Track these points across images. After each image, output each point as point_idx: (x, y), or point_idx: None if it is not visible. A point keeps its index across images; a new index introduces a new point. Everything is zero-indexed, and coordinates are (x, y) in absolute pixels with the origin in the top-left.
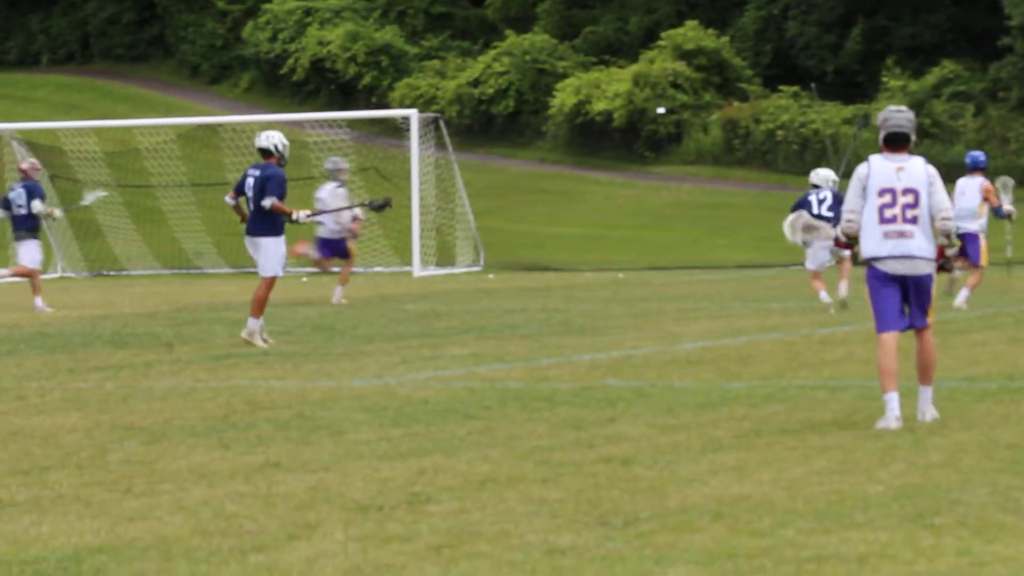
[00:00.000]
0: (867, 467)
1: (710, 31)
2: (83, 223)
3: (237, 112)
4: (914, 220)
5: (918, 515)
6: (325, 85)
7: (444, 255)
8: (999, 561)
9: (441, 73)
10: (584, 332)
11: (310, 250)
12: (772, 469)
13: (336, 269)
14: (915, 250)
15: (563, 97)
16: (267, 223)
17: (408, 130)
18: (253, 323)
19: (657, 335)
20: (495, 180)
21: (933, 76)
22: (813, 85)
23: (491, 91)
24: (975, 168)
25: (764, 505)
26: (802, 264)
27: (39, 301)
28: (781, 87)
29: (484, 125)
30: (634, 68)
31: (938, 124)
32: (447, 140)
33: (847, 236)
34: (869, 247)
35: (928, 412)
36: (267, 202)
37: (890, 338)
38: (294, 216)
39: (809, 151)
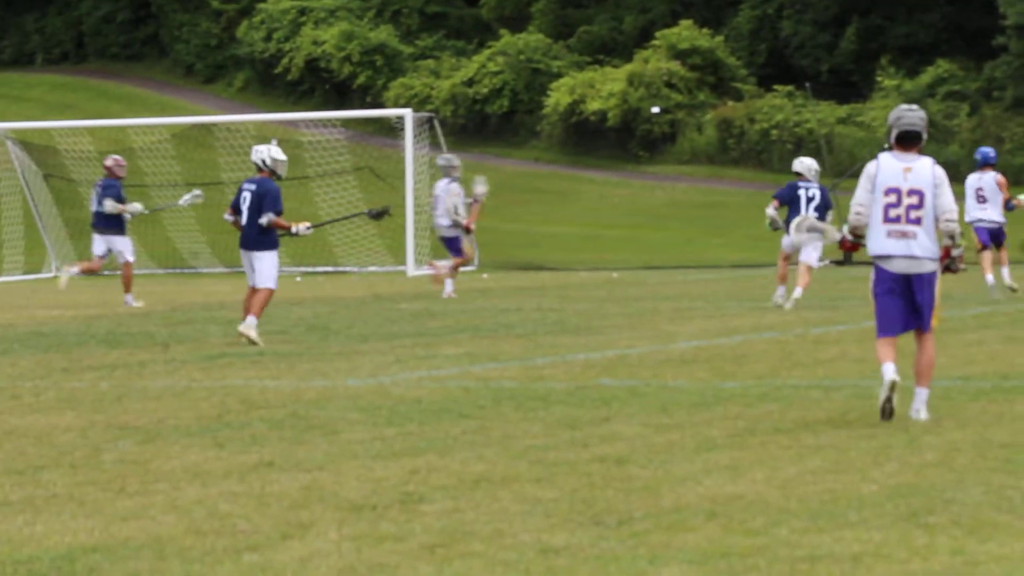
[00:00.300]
0: (861, 466)
1: (704, 31)
2: (77, 222)
3: (232, 112)
4: (918, 221)
5: (912, 514)
6: (320, 85)
7: (438, 255)
8: (993, 560)
9: (436, 73)
10: (579, 331)
11: (441, 264)
12: (766, 468)
13: (444, 262)
14: (917, 250)
15: (558, 96)
16: (264, 238)
17: (403, 130)
18: (251, 319)
19: (652, 334)
20: (490, 179)
21: (928, 75)
22: (807, 84)
23: (486, 91)
24: (985, 163)
25: (758, 504)
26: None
27: (129, 298)
28: (775, 87)
29: (479, 125)
30: (628, 68)
31: (933, 124)
32: (442, 140)
33: (854, 230)
34: (873, 245)
35: (922, 412)
36: (264, 219)
37: (889, 341)
38: (293, 230)
39: (804, 151)
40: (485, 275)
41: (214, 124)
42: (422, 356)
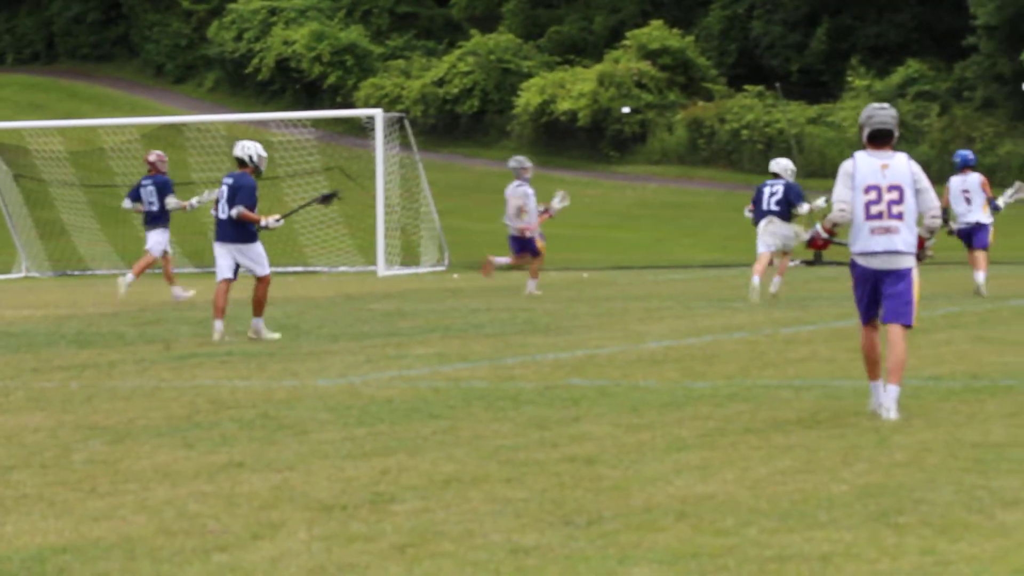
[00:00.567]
0: (831, 466)
1: (675, 31)
2: (47, 223)
3: (202, 112)
4: (899, 216)
5: (882, 514)
6: (290, 84)
7: (409, 255)
8: (963, 560)
9: (406, 73)
10: (549, 331)
11: (500, 260)
12: (736, 468)
13: (502, 260)
14: (900, 245)
15: (528, 97)
16: (243, 229)
17: (373, 130)
18: (257, 322)
19: (622, 334)
20: (460, 180)
21: (898, 75)
22: (778, 84)
23: (456, 91)
24: (966, 166)
25: (728, 504)
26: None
27: (177, 291)
28: (746, 86)
29: (449, 125)
30: (599, 68)
31: (903, 124)
32: (412, 140)
33: (832, 227)
34: (857, 243)
35: (892, 411)
36: (234, 212)
37: (872, 328)
38: (263, 223)
39: (774, 150)
40: (455, 275)
41: (184, 124)
42: (392, 356)
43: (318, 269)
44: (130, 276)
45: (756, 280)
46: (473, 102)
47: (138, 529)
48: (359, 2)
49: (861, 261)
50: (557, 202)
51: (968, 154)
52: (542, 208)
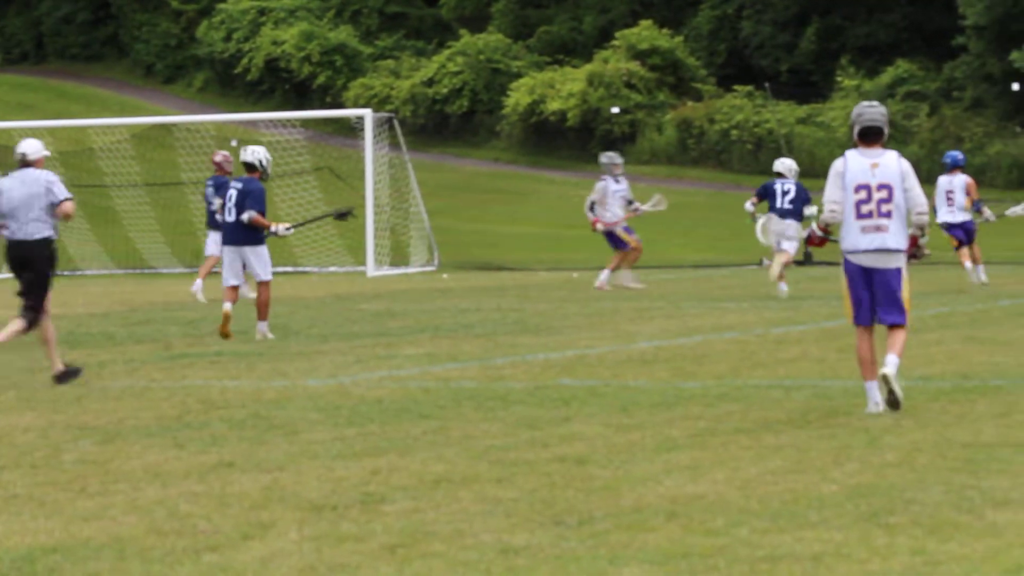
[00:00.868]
0: (821, 466)
1: (664, 31)
2: None
3: (191, 112)
4: (888, 214)
5: (872, 514)
6: (279, 85)
7: (398, 255)
8: (953, 560)
9: (395, 73)
10: (539, 331)
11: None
12: (727, 468)
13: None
14: (890, 243)
15: (517, 97)
16: (251, 233)
17: (362, 130)
18: (263, 325)
19: (612, 334)
20: (449, 180)
21: (887, 75)
22: (767, 85)
23: (445, 91)
24: (955, 166)
25: (718, 504)
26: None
27: (199, 284)
28: (735, 87)
29: (438, 125)
30: (588, 68)
31: (893, 124)
32: (401, 140)
33: (826, 227)
34: (847, 241)
35: (889, 367)
36: (246, 216)
37: (866, 329)
38: (272, 229)
39: (763, 151)
40: (445, 275)
41: (174, 124)
42: (382, 356)
43: (308, 269)
44: (199, 282)
45: (783, 288)
46: (462, 102)
47: (128, 529)
48: (348, 2)
49: (852, 259)
50: (650, 205)
51: (958, 155)
52: (635, 207)
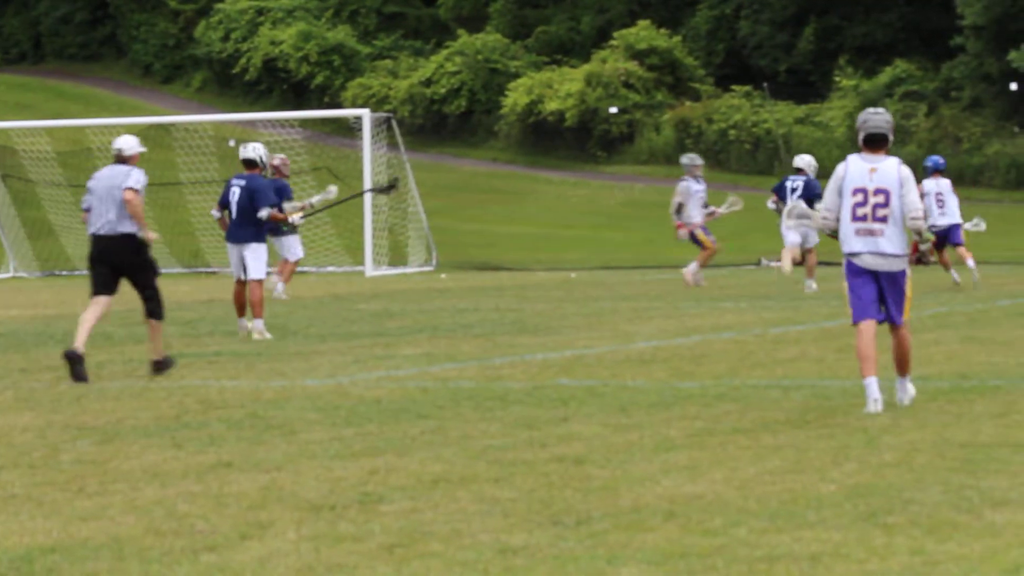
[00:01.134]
0: (820, 466)
1: (662, 31)
2: (35, 223)
3: (189, 112)
4: (884, 219)
5: (871, 514)
6: (277, 85)
7: (396, 255)
8: (952, 560)
9: (393, 73)
10: (537, 331)
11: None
12: (725, 468)
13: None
14: (885, 247)
15: (515, 97)
16: (254, 230)
17: (360, 130)
18: (259, 323)
19: (610, 334)
20: (447, 180)
21: (885, 75)
22: (765, 85)
23: (443, 91)
24: (936, 170)
25: (717, 504)
26: (754, 264)
27: (280, 287)
28: (733, 87)
29: (436, 125)
30: (586, 68)
31: None
32: (399, 140)
33: (825, 232)
34: (844, 243)
35: (906, 400)
36: (264, 213)
37: (866, 326)
38: (290, 219)
39: (761, 151)
40: (443, 275)
41: (172, 124)
42: (380, 356)
43: (306, 269)
44: (280, 285)
45: (812, 285)
46: (460, 102)
47: (127, 529)
48: (346, 2)
49: (856, 261)
50: (725, 208)
51: (939, 159)
52: (709, 209)
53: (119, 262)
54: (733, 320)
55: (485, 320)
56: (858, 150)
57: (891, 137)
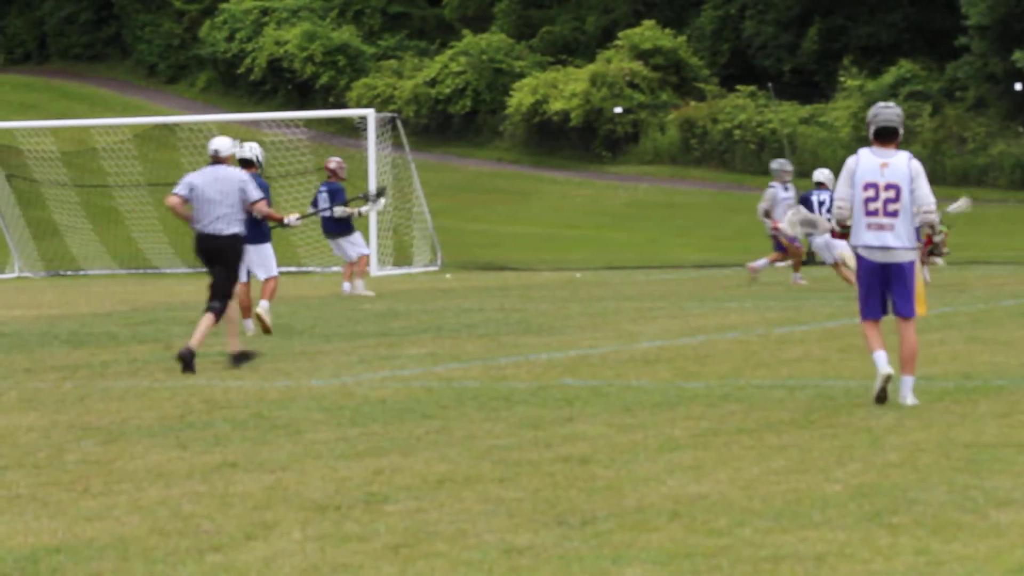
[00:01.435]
0: (824, 466)
1: (667, 31)
2: (40, 223)
3: (194, 112)
4: (894, 214)
5: (875, 514)
6: (282, 85)
7: (401, 255)
8: (956, 560)
9: (398, 73)
10: (541, 331)
11: (759, 263)
12: (729, 468)
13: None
14: (892, 241)
15: (520, 97)
16: (256, 230)
17: (365, 130)
18: (265, 303)
19: (615, 334)
20: (452, 180)
21: (890, 76)
22: (770, 85)
23: (448, 91)
24: None
25: (721, 504)
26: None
27: (360, 284)
28: (738, 87)
29: (441, 125)
30: (591, 68)
31: None
32: (404, 140)
33: (840, 222)
34: (855, 237)
35: (909, 398)
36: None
37: (872, 323)
38: (285, 220)
39: (766, 151)
40: (448, 275)
41: (177, 124)
42: (385, 356)
43: (311, 269)
44: (347, 285)
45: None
46: (465, 102)
47: (132, 529)
48: (351, 2)
49: (863, 253)
50: (956, 206)
51: None
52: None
53: (222, 260)
54: (737, 320)
55: (490, 320)
56: (865, 145)
57: (901, 131)
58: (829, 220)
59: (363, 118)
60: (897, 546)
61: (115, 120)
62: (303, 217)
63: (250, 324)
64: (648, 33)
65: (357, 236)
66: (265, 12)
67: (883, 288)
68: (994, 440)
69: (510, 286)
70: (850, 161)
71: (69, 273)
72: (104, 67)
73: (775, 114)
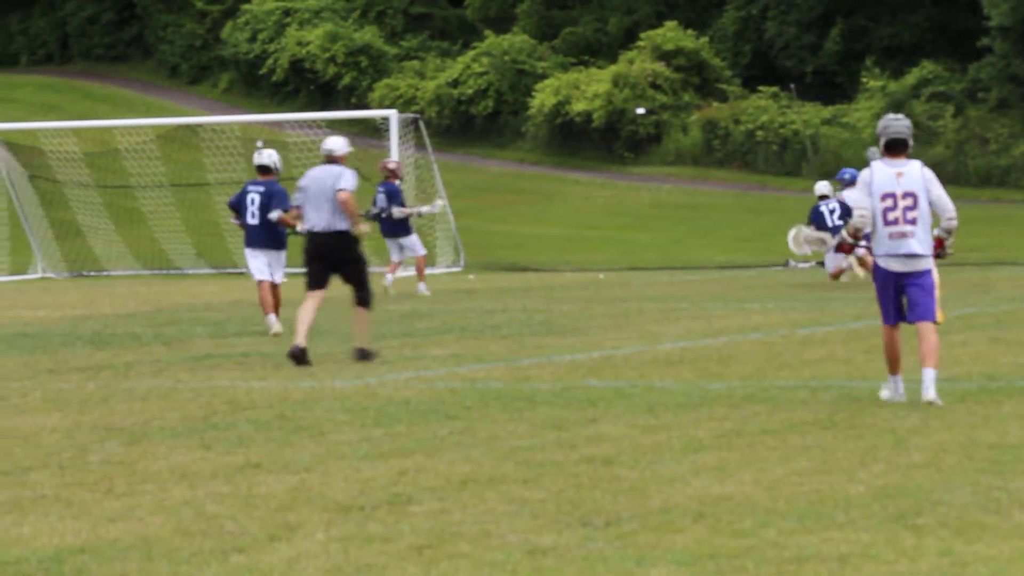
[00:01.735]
0: (848, 467)
1: (689, 32)
2: (63, 223)
3: (216, 112)
4: (914, 221)
5: (900, 515)
6: (304, 85)
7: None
8: (980, 561)
9: (420, 73)
10: (565, 332)
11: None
12: (753, 469)
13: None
14: (915, 248)
15: (543, 97)
16: (274, 236)
17: (388, 131)
18: (273, 317)
19: (638, 335)
20: (475, 180)
21: (912, 76)
22: (792, 85)
23: (471, 91)
24: (853, 182)
25: (745, 505)
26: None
27: (421, 285)
28: (760, 87)
29: (464, 125)
30: (613, 68)
31: (917, 125)
32: (427, 141)
33: (856, 232)
34: (878, 247)
35: (931, 391)
36: (274, 215)
37: (893, 328)
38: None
39: (789, 151)
40: (471, 276)
41: (199, 125)
42: (409, 357)
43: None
44: (422, 286)
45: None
46: (488, 103)
47: (155, 530)
48: (373, 3)
49: (882, 263)
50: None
51: (855, 171)
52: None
53: (334, 258)
54: (760, 321)
55: (513, 321)
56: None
57: (911, 141)
58: (842, 229)
59: (385, 119)
60: (921, 547)
61: (137, 121)
62: (368, 219)
63: (273, 319)
64: (670, 34)
65: (415, 238)
66: (287, 13)
67: (899, 294)
68: (1018, 441)
69: (533, 287)
70: (864, 174)
71: (92, 274)
72: (126, 68)
73: (797, 115)
